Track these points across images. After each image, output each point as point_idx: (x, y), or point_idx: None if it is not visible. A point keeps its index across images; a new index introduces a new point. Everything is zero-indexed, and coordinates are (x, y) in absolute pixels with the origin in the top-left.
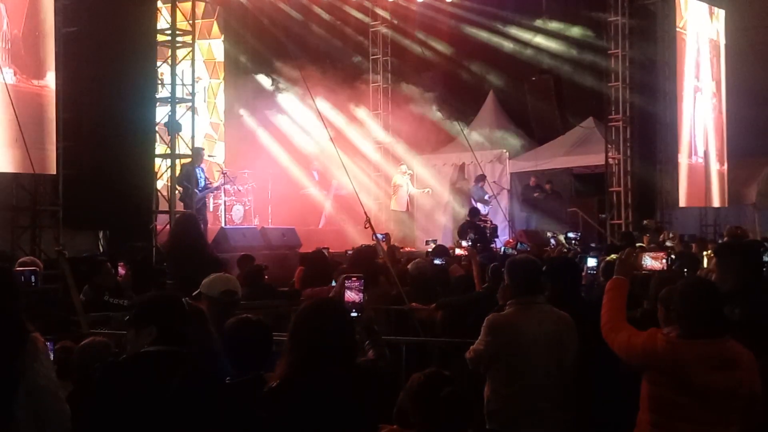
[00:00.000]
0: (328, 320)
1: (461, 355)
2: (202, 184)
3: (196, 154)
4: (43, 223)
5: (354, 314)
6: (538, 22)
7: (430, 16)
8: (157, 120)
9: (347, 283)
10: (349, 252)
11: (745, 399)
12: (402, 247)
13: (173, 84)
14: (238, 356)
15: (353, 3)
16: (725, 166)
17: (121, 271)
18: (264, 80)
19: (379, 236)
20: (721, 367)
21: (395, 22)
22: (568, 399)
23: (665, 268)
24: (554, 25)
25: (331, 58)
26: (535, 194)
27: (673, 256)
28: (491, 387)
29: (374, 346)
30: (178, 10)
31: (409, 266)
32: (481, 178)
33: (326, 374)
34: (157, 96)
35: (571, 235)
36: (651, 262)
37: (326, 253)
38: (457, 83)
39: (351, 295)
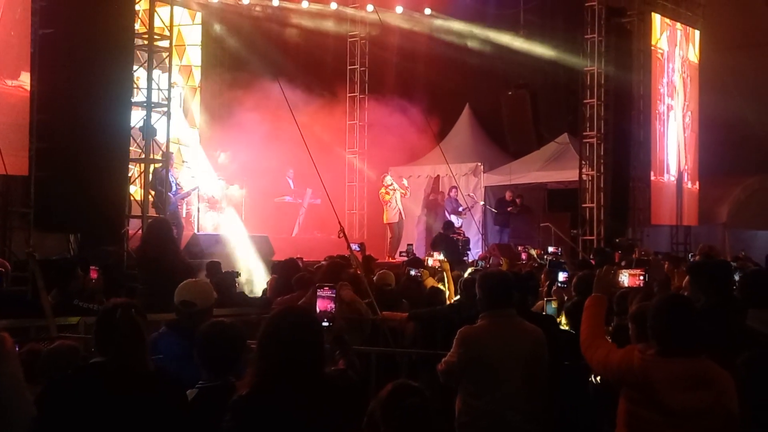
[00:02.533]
0: (297, 329)
1: (432, 366)
2: (173, 189)
3: (167, 158)
4: (14, 225)
5: (325, 323)
6: (516, 37)
7: (408, 28)
8: (132, 124)
9: (319, 292)
10: (322, 262)
11: (721, 419)
12: (378, 258)
13: (149, 88)
14: (209, 360)
15: (332, 13)
16: (697, 185)
17: (93, 275)
18: (241, 87)
19: (354, 246)
20: (695, 387)
21: (373, 33)
22: (539, 412)
23: (642, 285)
24: (531, 41)
25: (309, 67)
26: (509, 208)
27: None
28: (462, 399)
29: (344, 355)
30: (156, 14)
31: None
32: (455, 189)
33: (294, 383)
34: (133, 100)
35: (551, 249)
36: (628, 279)
37: (300, 263)
38: (433, 95)
39: (322, 304)
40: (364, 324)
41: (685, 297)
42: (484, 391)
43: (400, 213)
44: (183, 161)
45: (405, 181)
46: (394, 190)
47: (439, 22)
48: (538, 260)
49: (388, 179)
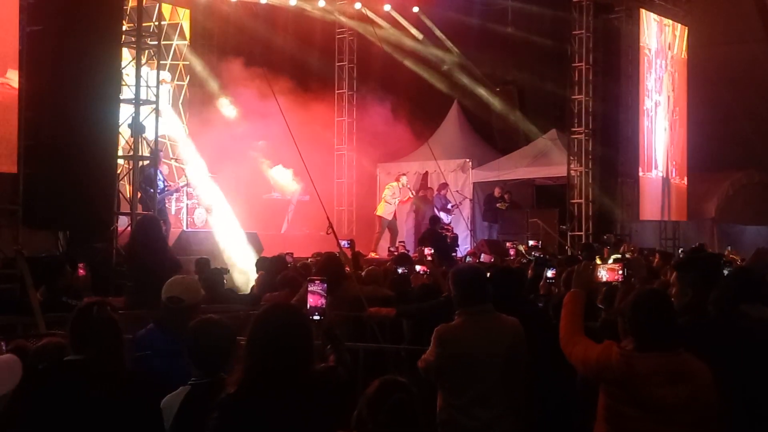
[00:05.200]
0: (285, 327)
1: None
2: (161, 186)
3: (155, 156)
4: (2, 222)
5: (316, 317)
6: (504, 34)
7: (396, 25)
8: (121, 121)
9: (310, 287)
10: (311, 259)
11: (699, 413)
12: (366, 254)
13: (137, 85)
14: (199, 357)
15: (319, 10)
16: (685, 181)
17: (81, 272)
18: (229, 84)
19: (344, 243)
20: (674, 381)
21: (361, 30)
22: (519, 407)
23: (622, 279)
24: (519, 37)
25: (297, 64)
26: (498, 204)
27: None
28: (442, 396)
29: (335, 351)
30: (144, 11)
31: (363, 273)
32: (444, 186)
33: (282, 382)
34: (121, 97)
35: (531, 243)
36: (607, 274)
37: (291, 258)
38: (421, 92)
39: (314, 299)
40: None
41: (662, 291)
42: (464, 389)
43: (394, 214)
44: (172, 157)
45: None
46: (402, 191)
47: (425, 18)
48: (527, 256)
49: (404, 180)
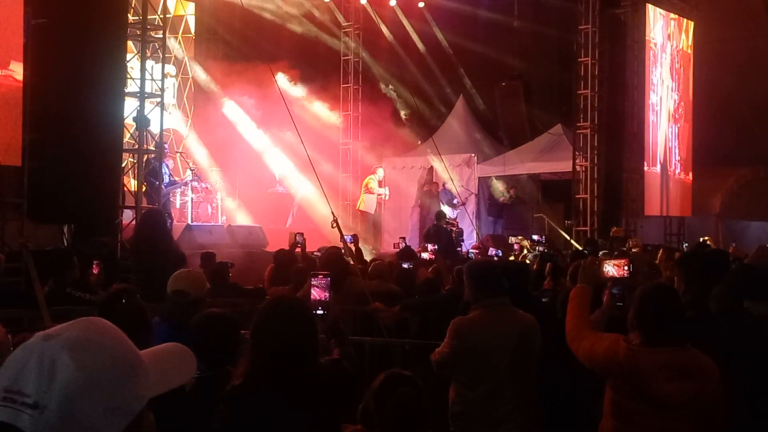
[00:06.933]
0: (289, 319)
1: (425, 356)
2: (166, 180)
3: (160, 149)
4: (7, 216)
5: (320, 312)
6: (510, 28)
7: (402, 19)
8: (126, 115)
9: (313, 281)
10: (316, 253)
11: (706, 409)
12: (370, 249)
13: (142, 79)
14: (204, 350)
15: (326, 4)
16: (690, 176)
17: (95, 269)
18: (234, 77)
19: (348, 238)
20: (681, 377)
21: (366, 24)
22: (530, 403)
23: (627, 275)
24: (525, 32)
25: (302, 58)
26: (501, 199)
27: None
28: (456, 390)
29: (340, 345)
30: (149, 4)
31: (369, 268)
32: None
33: (287, 374)
34: (126, 90)
35: (535, 237)
36: (613, 269)
37: (302, 238)
38: (427, 87)
39: (317, 293)
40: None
41: (669, 286)
42: (479, 382)
43: (376, 206)
44: (177, 151)
45: (386, 193)
46: (380, 186)
47: (432, 13)
48: (531, 251)
49: (381, 173)
